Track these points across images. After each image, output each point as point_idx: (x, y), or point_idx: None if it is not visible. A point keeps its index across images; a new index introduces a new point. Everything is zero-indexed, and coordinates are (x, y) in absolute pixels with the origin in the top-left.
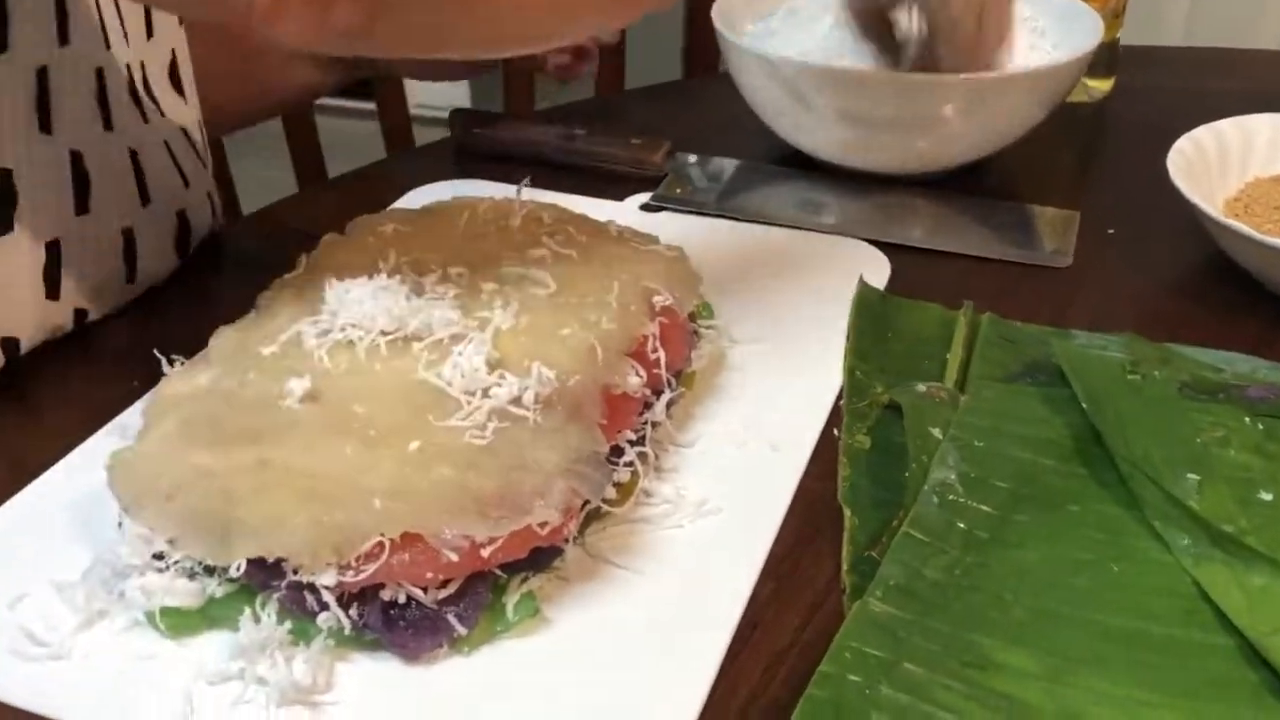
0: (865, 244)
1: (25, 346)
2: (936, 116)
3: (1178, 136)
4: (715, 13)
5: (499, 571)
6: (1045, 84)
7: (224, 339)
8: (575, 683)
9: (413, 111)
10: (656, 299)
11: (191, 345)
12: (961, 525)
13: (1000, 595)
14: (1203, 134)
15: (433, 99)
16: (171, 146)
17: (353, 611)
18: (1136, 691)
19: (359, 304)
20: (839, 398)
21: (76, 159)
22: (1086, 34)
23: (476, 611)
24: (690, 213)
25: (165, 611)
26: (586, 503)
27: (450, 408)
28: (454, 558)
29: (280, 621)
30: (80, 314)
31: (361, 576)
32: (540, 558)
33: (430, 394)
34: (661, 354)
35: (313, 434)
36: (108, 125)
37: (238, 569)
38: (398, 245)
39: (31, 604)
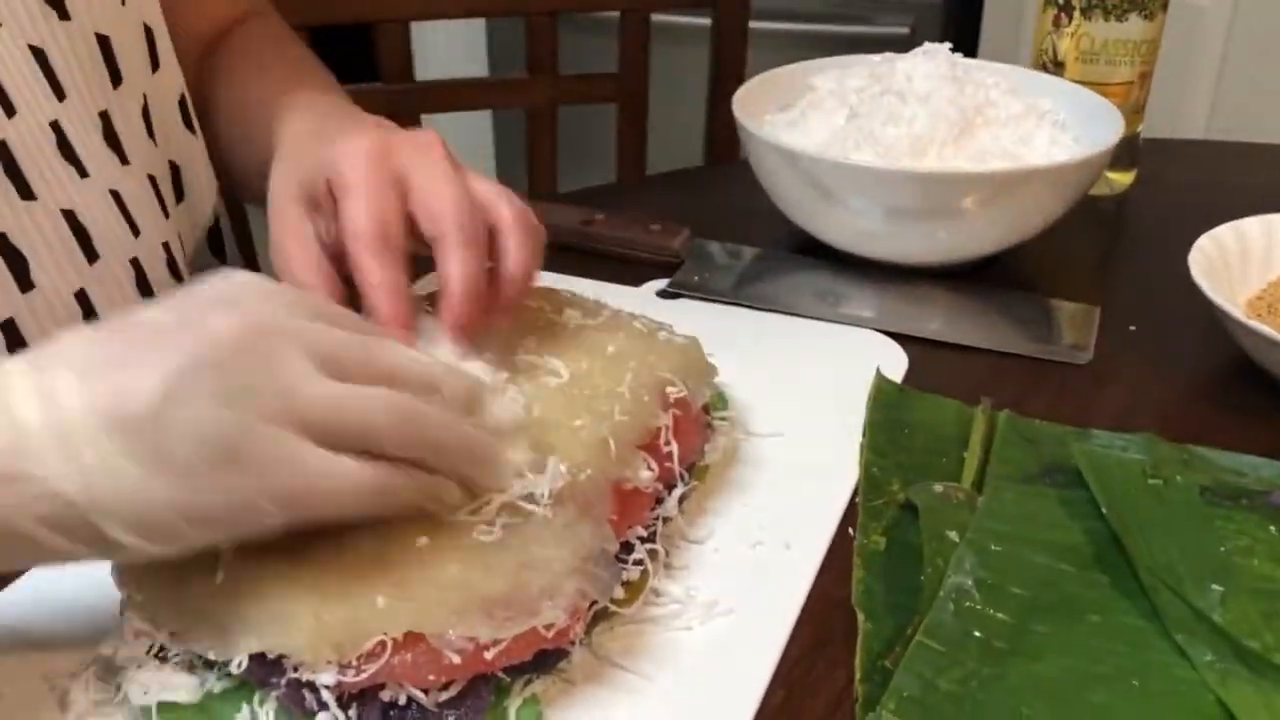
0: (883, 335)
1: None
2: (957, 209)
3: (1200, 230)
4: (736, 102)
5: (502, 674)
6: (1066, 178)
7: None
8: None
9: None
10: (670, 390)
11: None
12: (978, 634)
13: (1017, 710)
14: (1225, 232)
15: None
16: (121, 195)
17: (352, 712)
18: None
19: None
20: (854, 495)
21: (2, 238)
22: (1108, 128)
23: (478, 715)
24: (707, 300)
25: (163, 707)
26: (594, 603)
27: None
28: (457, 659)
29: None
30: None
31: (362, 676)
32: (545, 659)
33: None
34: (674, 447)
35: (320, 526)
36: (26, 194)
37: (239, 666)
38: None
39: (26, 697)
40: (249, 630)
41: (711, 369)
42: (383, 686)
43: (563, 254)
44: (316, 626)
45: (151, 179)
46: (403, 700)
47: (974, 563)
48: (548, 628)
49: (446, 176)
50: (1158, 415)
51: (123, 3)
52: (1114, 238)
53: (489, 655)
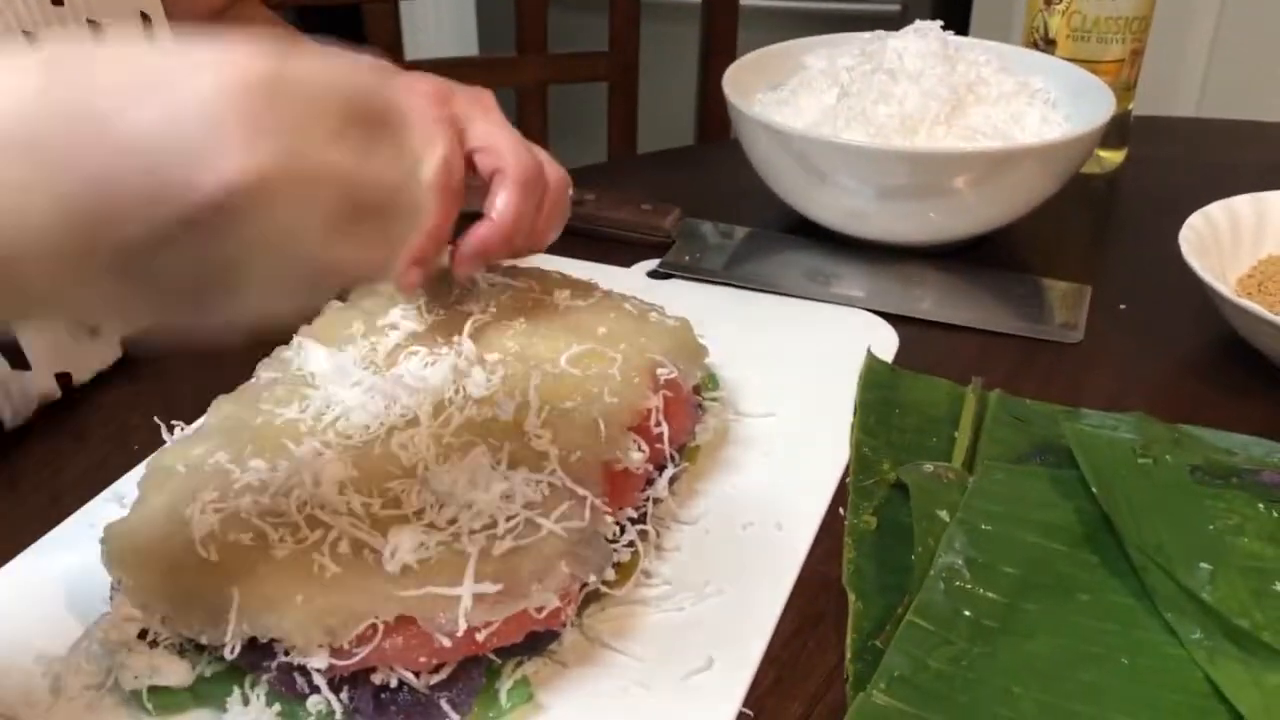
0: (873, 315)
1: (11, 422)
2: (948, 188)
3: (1190, 209)
4: (727, 81)
5: (493, 656)
6: (1057, 157)
7: (221, 411)
8: None
9: None
10: (660, 371)
11: (192, 408)
12: (968, 613)
13: (1008, 689)
14: (1216, 210)
15: None
16: None
17: (344, 695)
18: None
19: (356, 382)
20: (845, 474)
21: None
22: (1099, 106)
23: (470, 697)
24: (698, 280)
25: (153, 690)
26: (585, 584)
27: None
28: (447, 642)
29: (269, 703)
30: (63, 377)
31: (354, 659)
32: (536, 641)
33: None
34: (665, 428)
35: (309, 512)
36: None
37: (231, 650)
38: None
39: (16, 678)
40: (240, 614)
41: (702, 350)
42: (374, 669)
43: None
44: (308, 610)
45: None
46: (394, 683)
47: (964, 542)
48: (539, 610)
49: (504, 125)
50: (1148, 394)
51: None
52: (1105, 216)
53: (480, 637)
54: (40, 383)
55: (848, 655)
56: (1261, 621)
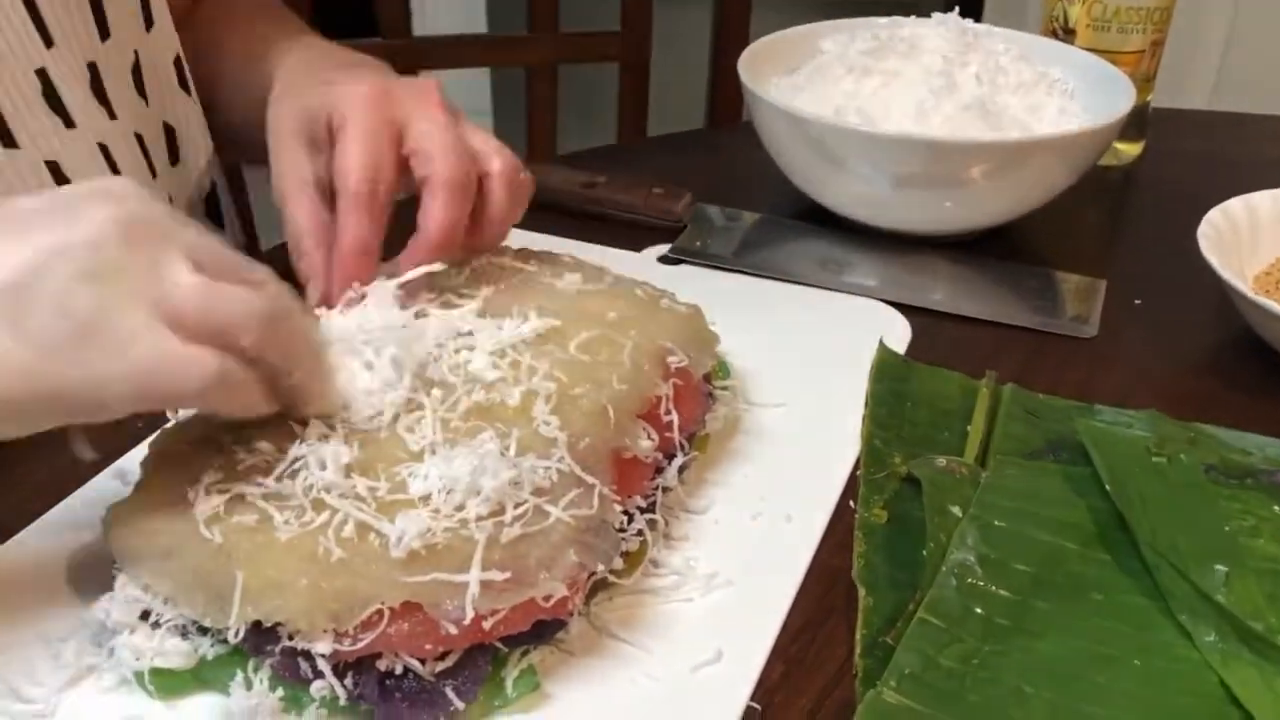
0: (886, 305)
1: None
2: (964, 178)
3: (1208, 203)
4: (742, 64)
5: (500, 644)
6: (1076, 148)
7: None
8: None
9: None
10: (671, 359)
11: None
12: (980, 611)
13: (1019, 689)
14: (1235, 205)
15: None
16: (109, 150)
17: (348, 681)
18: None
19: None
20: (856, 466)
21: None
22: (1118, 98)
23: (475, 685)
24: (709, 266)
25: (155, 672)
26: (593, 573)
27: None
28: (454, 630)
29: (272, 688)
30: None
31: (359, 645)
32: (543, 630)
33: None
34: (675, 416)
35: (315, 495)
36: (9, 143)
37: (235, 634)
38: (407, 296)
39: (18, 656)
40: (244, 597)
41: (713, 338)
42: (379, 656)
43: (564, 217)
44: (313, 594)
45: (139, 137)
46: (399, 670)
47: (976, 538)
48: (546, 598)
49: (442, 122)
50: (1163, 391)
51: None
52: (1121, 209)
53: (486, 625)
54: None
55: (857, 650)
56: (1277, 625)
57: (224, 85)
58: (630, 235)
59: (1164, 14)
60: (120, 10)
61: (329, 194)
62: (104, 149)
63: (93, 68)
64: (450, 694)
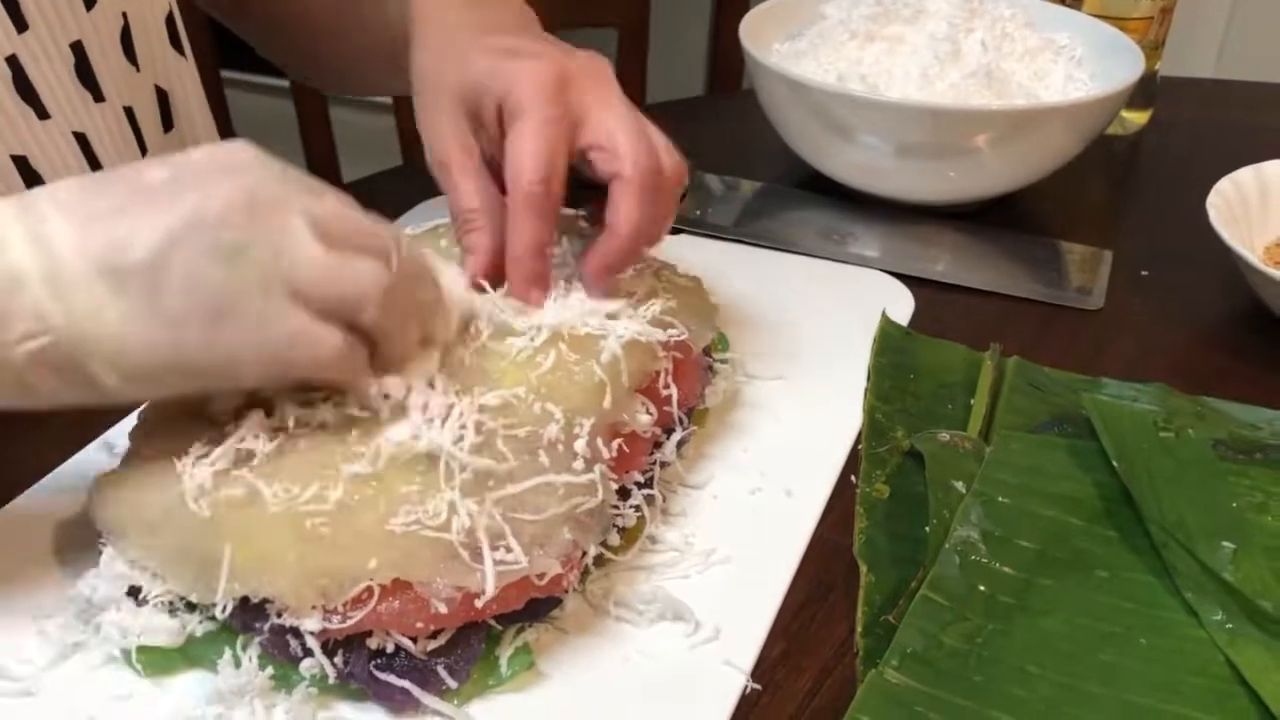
0: (888, 276)
1: None
2: (969, 146)
3: (1216, 173)
4: (744, 30)
5: (493, 622)
6: (1083, 117)
7: None
8: None
9: None
10: (670, 332)
11: None
12: (983, 588)
13: (1023, 668)
14: (1245, 175)
15: None
16: (87, 138)
17: (337, 659)
18: None
19: None
20: (857, 440)
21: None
22: (1127, 66)
23: (468, 664)
24: (709, 236)
25: (142, 650)
26: (587, 551)
27: None
28: (445, 609)
29: (262, 666)
30: None
31: (348, 623)
32: (538, 608)
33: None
34: (674, 390)
35: (305, 468)
36: (41, 114)
37: (223, 610)
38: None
39: (3, 633)
40: (232, 572)
41: (714, 311)
42: (369, 634)
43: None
44: (302, 571)
45: (129, 111)
46: (390, 648)
47: (980, 515)
48: (540, 576)
49: (625, 115)
50: (1170, 364)
51: None
52: (1127, 179)
53: (479, 604)
54: None
55: (858, 629)
56: None
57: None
58: None
59: None
60: None
61: (491, 170)
62: (81, 138)
63: (77, 48)
64: (442, 672)
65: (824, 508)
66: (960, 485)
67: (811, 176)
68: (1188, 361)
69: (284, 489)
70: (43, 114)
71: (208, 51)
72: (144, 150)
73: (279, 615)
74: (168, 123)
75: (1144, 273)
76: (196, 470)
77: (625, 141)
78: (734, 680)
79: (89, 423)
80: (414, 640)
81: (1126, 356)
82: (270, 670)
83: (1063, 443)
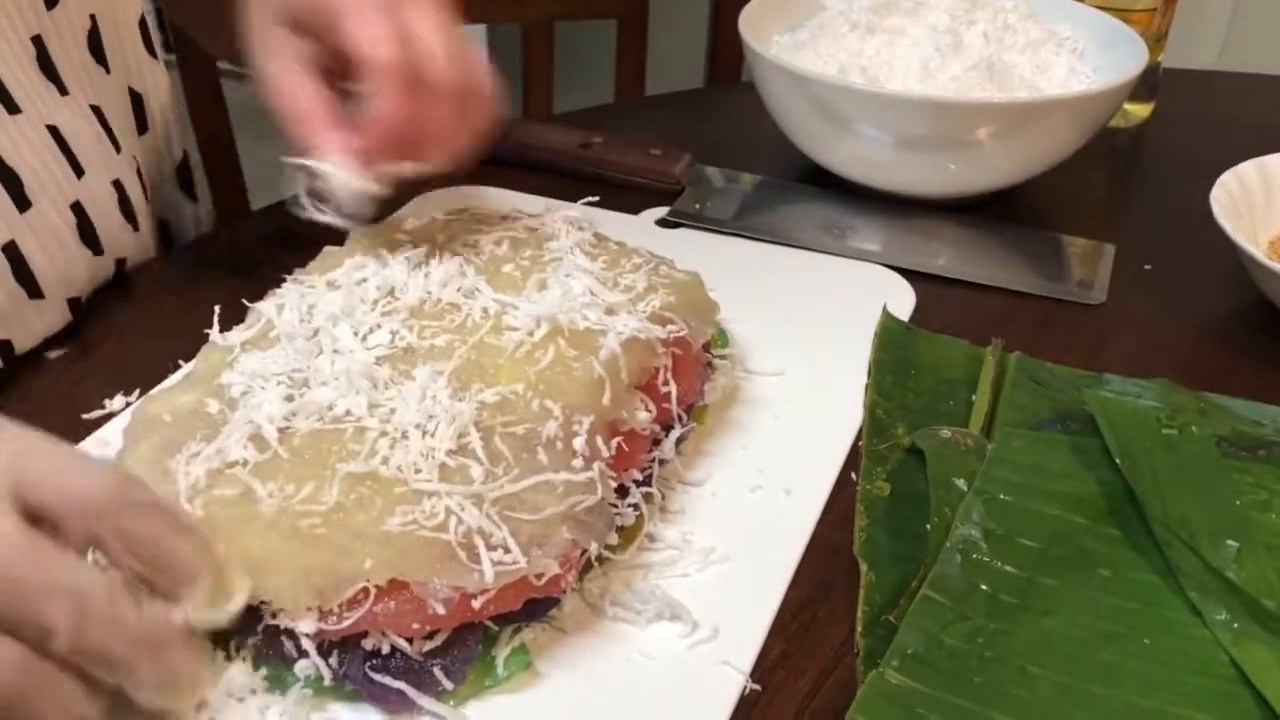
0: (889, 270)
1: (19, 349)
2: (970, 139)
3: (1220, 167)
4: (743, 21)
5: (490, 623)
6: (1085, 110)
7: (210, 359)
8: None
9: None
10: (670, 328)
11: (145, 375)
12: (985, 588)
13: (1025, 669)
14: (1249, 168)
15: None
16: (60, 131)
17: (332, 660)
18: None
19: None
20: (858, 437)
21: None
22: (1129, 58)
23: (465, 665)
24: (708, 230)
25: None
26: (585, 550)
27: None
28: (441, 609)
29: (256, 668)
30: (72, 303)
31: (343, 624)
32: (535, 608)
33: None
34: (673, 387)
35: (299, 468)
36: (11, 109)
37: None
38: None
39: None
40: None
41: (713, 306)
42: (365, 635)
43: (559, 179)
44: (296, 571)
45: (97, 110)
46: (385, 649)
47: (982, 513)
48: (538, 576)
49: (436, 24)
50: (1173, 359)
51: None
52: (1130, 172)
53: (476, 604)
54: (53, 313)
55: (858, 629)
56: None
57: None
58: (627, 197)
59: None
60: None
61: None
62: (54, 131)
63: (38, 41)
64: (438, 673)
65: (824, 505)
66: (962, 483)
67: (812, 170)
68: (1191, 357)
69: (278, 488)
70: (13, 108)
71: None
72: (118, 149)
73: (273, 616)
74: (142, 125)
75: (1147, 267)
76: (190, 469)
77: (379, 33)
78: (733, 680)
79: (83, 421)
80: (410, 641)
81: (1129, 352)
82: (264, 671)
83: (1065, 440)
